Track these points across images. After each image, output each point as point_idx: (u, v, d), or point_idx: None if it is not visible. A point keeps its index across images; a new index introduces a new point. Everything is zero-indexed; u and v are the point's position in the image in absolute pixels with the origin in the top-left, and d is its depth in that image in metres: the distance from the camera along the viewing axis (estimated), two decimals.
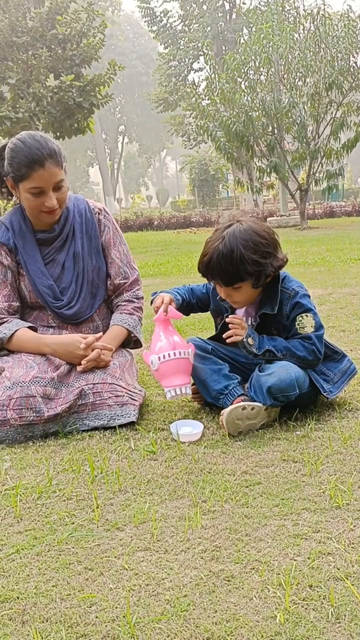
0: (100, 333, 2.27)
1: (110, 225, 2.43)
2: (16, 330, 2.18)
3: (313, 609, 1.06)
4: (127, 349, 2.43)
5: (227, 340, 2.03)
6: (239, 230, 1.93)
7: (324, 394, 2.02)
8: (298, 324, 2.00)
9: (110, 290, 2.42)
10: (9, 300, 2.26)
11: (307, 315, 2.00)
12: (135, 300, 2.42)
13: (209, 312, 2.32)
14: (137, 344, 2.45)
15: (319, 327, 2.02)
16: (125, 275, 2.41)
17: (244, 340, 1.98)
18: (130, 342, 2.42)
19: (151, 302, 2.21)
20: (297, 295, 2.01)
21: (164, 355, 2.03)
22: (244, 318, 2.08)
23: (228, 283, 1.97)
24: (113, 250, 2.41)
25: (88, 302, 2.33)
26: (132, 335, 2.38)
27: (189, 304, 2.27)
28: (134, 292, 2.43)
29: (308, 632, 1.01)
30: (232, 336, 2.00)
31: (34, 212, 2.22)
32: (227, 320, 2.03)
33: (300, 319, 2.00)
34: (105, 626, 1.05)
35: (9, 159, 2.15)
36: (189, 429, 1.94)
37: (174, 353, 2.03)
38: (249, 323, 2.06)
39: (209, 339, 2.23)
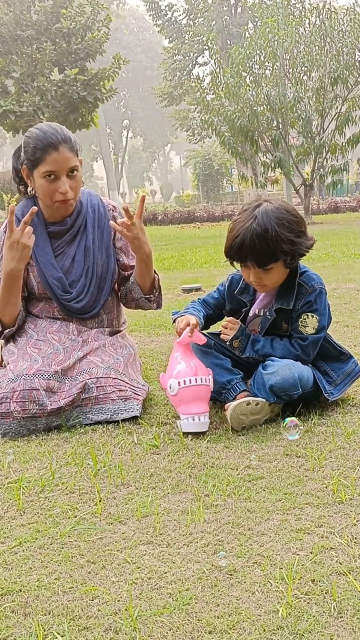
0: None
1: None
2: None
3: (315, 604, 1.06)
4: (131, 344, 2.42)
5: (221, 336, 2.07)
6: (271, 209, 1.89)
7: (325, 395, 2.01)
8: (301, 322, 1.99)
9: (124, 277, 2.42)
10: None
11: (312, 316, 1.99)
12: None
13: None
14: (156, 303, 2.42)
15: (320, 329, 2.00)
16: None
17: (229, 340, 2.03)
18: (155, 291, 2.38)
19: (173, 322, 2.15)
20: (315, 293, 1.99)
21: (184, 381, 1.92)
22: (262, 310, 2.07)
23: (262, 264, 1.91)
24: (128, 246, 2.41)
25: (95, 296, 2.34)
26: (156, 283, 2.35)
27: (208, 318, 2.22)
28: None
29: (310, 627, 1.01)
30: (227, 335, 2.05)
31: (48, 202, 2.23)
32: (222, 325, 2.07)
33: (305, 317, 1.99)
34: (108, 619, 1.06)
35: (25, 145, 2.19)
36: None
37: (195, 379, 1.92)
38: (266, 316, 2.05)
39: (210, 334, 2.22)
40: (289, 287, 2.00)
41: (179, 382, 1.93)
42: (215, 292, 2.24)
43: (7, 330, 2.27)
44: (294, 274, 2.00)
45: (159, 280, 2.39)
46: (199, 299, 2.26)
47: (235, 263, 2.02)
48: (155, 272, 2.36)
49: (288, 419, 1.55)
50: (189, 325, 2.01)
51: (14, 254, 2.12)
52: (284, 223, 1.88)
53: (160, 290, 2.42)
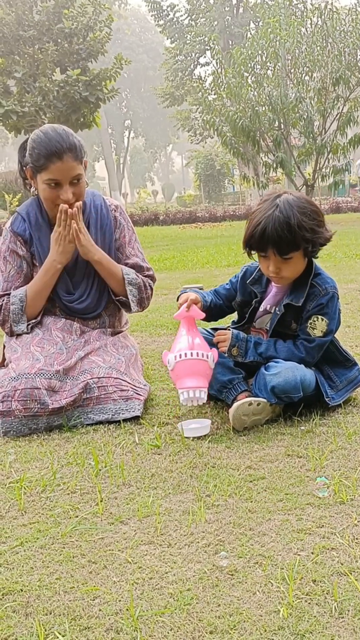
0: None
1: (125, 223, 2.43)
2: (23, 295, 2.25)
3: (316, 604, 1.06)
4: (133, 345, 2.43)
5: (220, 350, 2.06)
6: (292, 199, 1.91)
7: (326, 399, 2.01)
8: (310, 323, 1.98)
9: None
10: None
11: (322, 319, 1.98)
12: (147, 277, 2.42)
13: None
14: (125, 306, 2.39)
15: (327, 333, 1.99)
16: (140, 269, 2.41)
17: (227, 352, 2.01)
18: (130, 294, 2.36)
19: (177, 299, 2.17)
20: (327, 296, 1.98)
21: (180, 355, 1.93)
22: (272, 307, 2.07)
23: (284, 252, 1.90)
24: (128, 247, 2.41)
25: (98, 297, 2.34)
26: (125, 282, 2.33)
27: (217, 307, 2.22)
28: (145, 274, 2.43)
29: (311, 627, 1.00)
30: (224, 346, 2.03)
31: (50, 205, 2.23)
32: (214, 341, 2.06)
33: (315, 319, 1.98)
34: (109, 619, 1.06)
35: (29, 149, 2.18)
36: (197, 426, 1.94)
37: (191, 353, 1.93)
38: (275, 312, 2.04)
39: (213, 329, 2.21)
40: (301, 284, 2.00)
41: (175, 357, 1.94)
42: (227, 283, 2.24)
43: (29, 323, 2.27)
44: (309, 272, 2.00)
45: (130, 281, 2.35)
46: (210, 290, 2.26)
47: (252, 254, 2.03)
48: (127, 278, 2.34)
49: (319, 479, 1.53)
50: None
51: (58, 248, 2.22)
52: (305, 212, 1.90)
53: (140, 290, 2.39)
